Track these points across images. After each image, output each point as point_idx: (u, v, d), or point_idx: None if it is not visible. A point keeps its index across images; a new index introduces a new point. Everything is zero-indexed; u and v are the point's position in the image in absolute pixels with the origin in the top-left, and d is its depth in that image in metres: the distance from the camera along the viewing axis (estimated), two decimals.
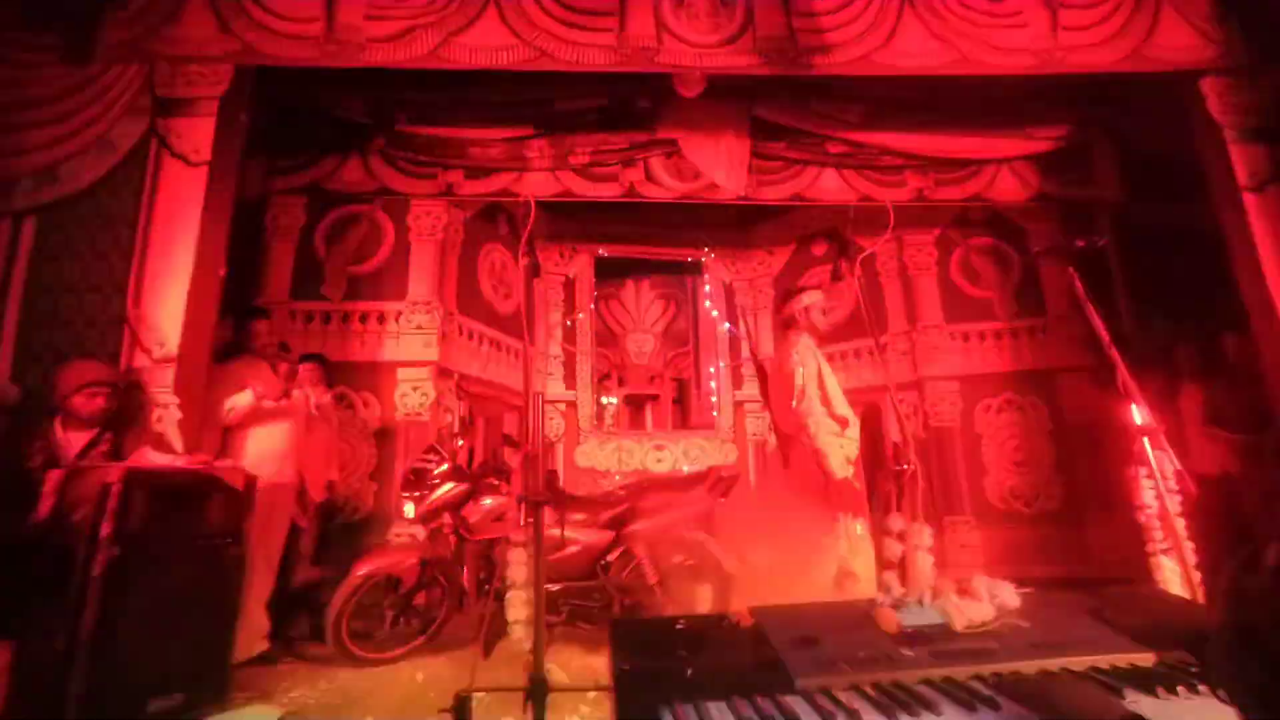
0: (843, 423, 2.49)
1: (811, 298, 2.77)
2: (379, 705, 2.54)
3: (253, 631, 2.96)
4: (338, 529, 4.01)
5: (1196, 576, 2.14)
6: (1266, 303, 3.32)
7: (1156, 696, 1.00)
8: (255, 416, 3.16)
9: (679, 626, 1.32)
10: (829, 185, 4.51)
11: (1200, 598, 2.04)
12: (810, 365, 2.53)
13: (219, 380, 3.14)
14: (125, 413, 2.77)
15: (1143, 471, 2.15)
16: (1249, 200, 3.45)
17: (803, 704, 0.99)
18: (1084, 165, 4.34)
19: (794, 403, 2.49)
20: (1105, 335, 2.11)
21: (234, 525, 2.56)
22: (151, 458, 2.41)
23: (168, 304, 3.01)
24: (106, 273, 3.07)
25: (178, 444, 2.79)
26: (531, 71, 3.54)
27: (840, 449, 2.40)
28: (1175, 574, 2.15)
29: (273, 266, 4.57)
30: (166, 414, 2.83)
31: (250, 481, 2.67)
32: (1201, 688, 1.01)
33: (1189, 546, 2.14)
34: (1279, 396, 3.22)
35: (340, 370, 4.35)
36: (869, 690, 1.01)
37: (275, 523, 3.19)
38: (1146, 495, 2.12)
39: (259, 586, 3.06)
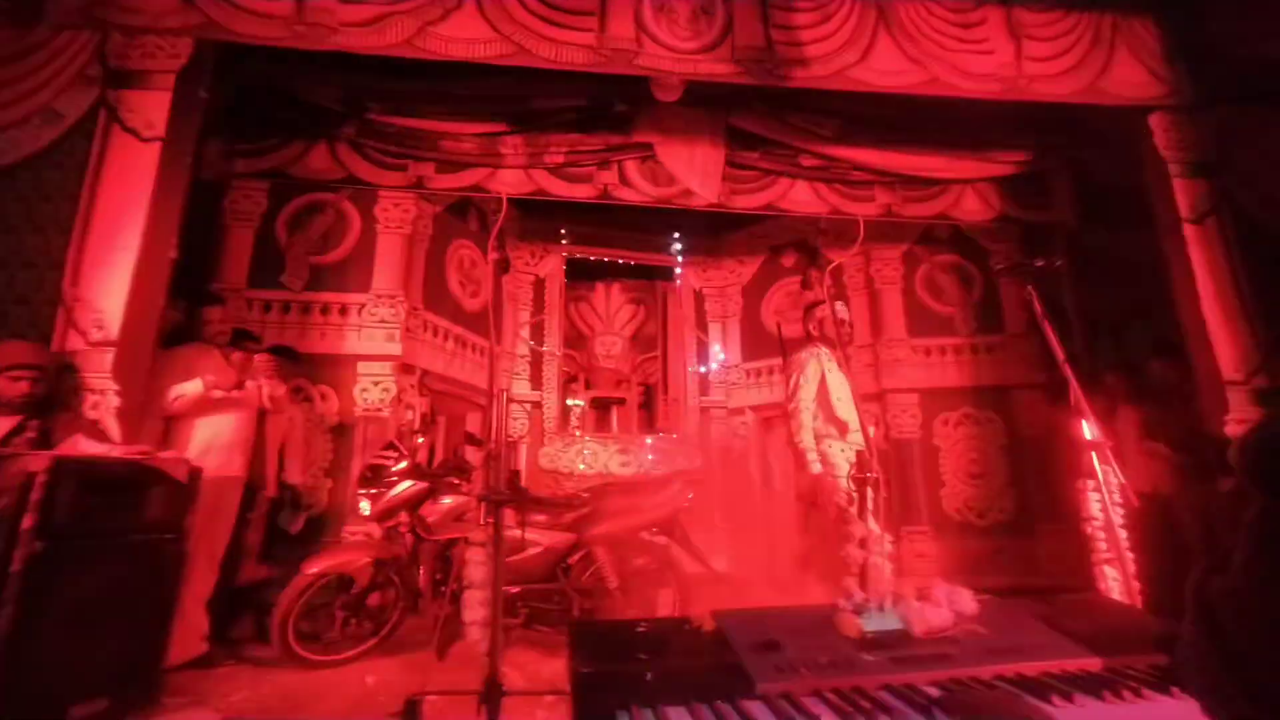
0: (842, 427, 2.58)
1: (824, 311, 2.90)
2: (326, 709, 2.44)
3: (190, 632, 2.82)
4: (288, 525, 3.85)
5: (1135, 585, 2.24)
6: (1201, 328, 3.51)
7: (1103, 700, 1.02)
8: (203, 406, 3.02)
9: (640, 630, 1.30)
10: (801, 197, 4.57)
11: (1140, 604, 2.12)
12: (810, 372, 2.65)
13: (165, 367, 2.99)
14: (56, 398, 2.60)
15: (1090, 484, 2.23)
16: (1189, 231, 3.64)
17: (763, 709, 0.98)
18: (1043, 190, 4.52)
19: (788, 405, 2.63)
20: (1060, 353, 2.18)
21: (175, 519, 2.43)
22: (84, 446, 2.27)
23: (111, 285, 2.84)
24: (42, 248, 2.88)
25: (115, 432, 2.64)
26: (509, 67, 3.50)
27: (840, 452, 2.51)
28: (1117, 582, 2.24)
29: (231, 252, 4.40)
30: (103, 400, 2.66)
31: (194, 473, 2.54)
32: (1145, 692, 1.04)
33: (1130, 557, 2.23)
34: (1210, 417, 3.40)
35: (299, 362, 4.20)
36: (830, 695, 1.01)
37: (220, 517, 3.04)
38: (1093, 507, 2.21)
39: (200, 584, 2.92)
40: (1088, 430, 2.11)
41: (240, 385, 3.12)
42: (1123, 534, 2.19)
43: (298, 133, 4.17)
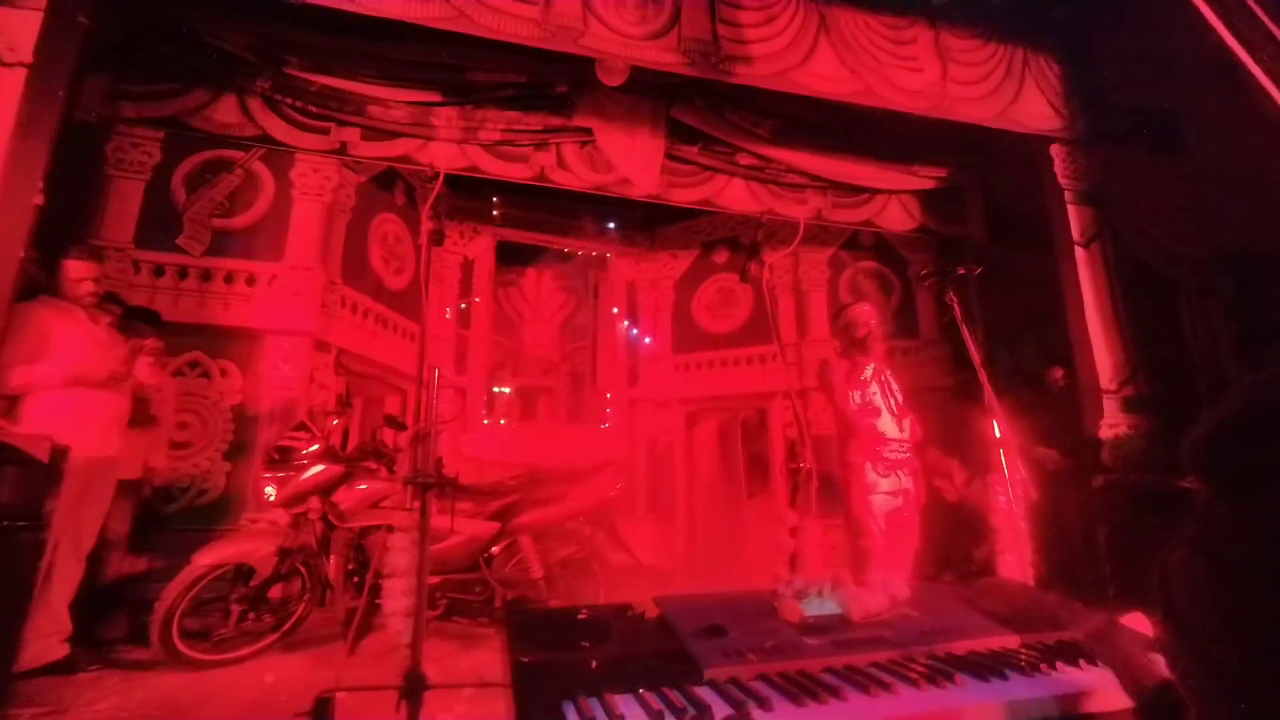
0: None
1: (850, 315, 3.00)
2: (215, 713, 2.21)
3: (46, 633, 2.46)
4: (177, 514, 3.48)
5: (1030, 570, 2.45)
6: (1085, 342, 3.89)
7: (1024, 674, 1.09)
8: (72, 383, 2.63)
9: (580, 617, 1.25)
10: (737, 195, 4.64)
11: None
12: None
13: (13, 326, 2.56)
14: None
15: (995, 480, 2.41)
16: (1079, 253, 4.03)
17: (713, 694, 0.96)
18: (959, 205, 4.84)
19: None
20: (977, 356, 2.33)
21: (31, 504, 2.10)
22: None
23: None
24: None
25: None
26: (446, 31, 3.29)
27: None
28: (1014, 568, 2.43)
29: (113, 206, 3.90)
30: None
31: (58, 453, 2.21)
32: (1058, 664, 1.12)
33: (1027, 545, 2.43)
34: (1089, 422, 3.78)
35: (197, 334, 3.80)
36: (777, 679, 1.01)
37: (90, 503, 2.68)
38: (999, 499, 2.39)
39: (61, 579, 2.55)
40: (997, 430, 2.26)
41: (130, 373, 2.77)
42: (1022, 524, 2.38)
43: (202, 80, 3.72)
